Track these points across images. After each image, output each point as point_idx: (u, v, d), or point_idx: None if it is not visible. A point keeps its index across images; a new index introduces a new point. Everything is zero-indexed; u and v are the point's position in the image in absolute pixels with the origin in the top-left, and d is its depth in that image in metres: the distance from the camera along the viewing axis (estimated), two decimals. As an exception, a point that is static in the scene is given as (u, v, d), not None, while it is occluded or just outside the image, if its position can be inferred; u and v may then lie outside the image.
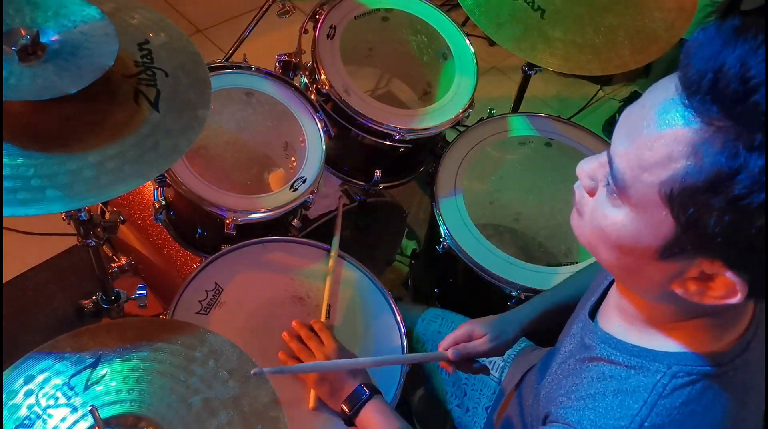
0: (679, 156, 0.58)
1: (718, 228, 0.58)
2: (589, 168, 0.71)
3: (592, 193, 0.71)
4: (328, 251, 1.33)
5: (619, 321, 0.79)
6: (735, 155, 0.55)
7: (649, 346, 0.74)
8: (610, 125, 2.61)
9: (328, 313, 1.25)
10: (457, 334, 1.11)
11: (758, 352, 0.75)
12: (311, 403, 1.13)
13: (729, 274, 0.61)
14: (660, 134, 0.60)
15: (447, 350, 1.11)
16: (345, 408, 1.08)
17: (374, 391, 1.08)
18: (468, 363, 1.12)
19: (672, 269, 0.65)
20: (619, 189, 0.65)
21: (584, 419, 0.74)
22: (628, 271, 0.71)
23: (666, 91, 0.61)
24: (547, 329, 1.22)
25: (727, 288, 0.63)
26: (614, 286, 0.83)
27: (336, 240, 1.36)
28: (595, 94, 2.69)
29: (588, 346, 0.81)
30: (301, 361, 1.14)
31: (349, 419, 1.08)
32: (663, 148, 0.60)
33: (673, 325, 0.73)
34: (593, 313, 0.87)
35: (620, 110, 2.62)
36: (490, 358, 1.27)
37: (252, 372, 0.93)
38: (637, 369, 0.73)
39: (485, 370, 1.16)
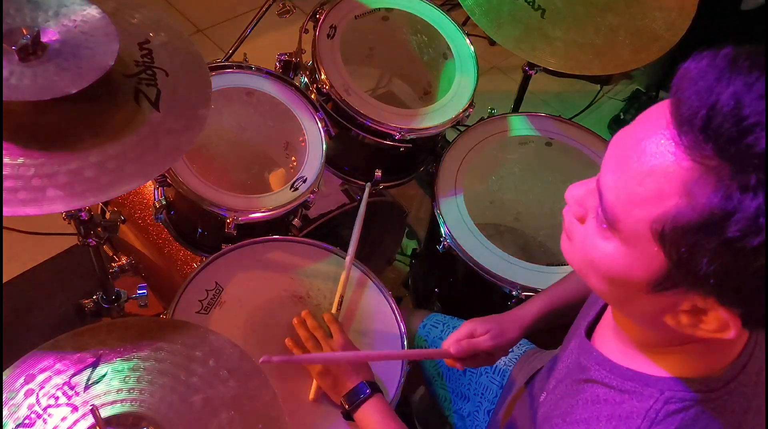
0: (670, 194, 0.57)
1: (711, 268, 0.56)
2: (579, 194, 0.69)
3: (582, 219, 0.69)
4: (331, 250, 1.33)
5: (615, 342, 0.78)
6: (729, 196, 0.53)
7: (644, 370, 0.73)
8: (615, 124, 2.61)
9: (340, 304, 1.24)
10: (459, 331, 1.11)
11: (755, 375, 0.73)
12: (312, 394, 1.13)
13: (721, 311, 0.60)
14: (650, 169, 0.58)
15: (450, 347, 1.10)
16: (345, 403, 1.08)
17: (375, 390, 1.09)
18: (474, 358, 1.11)
19: (664, 302, 0.64)
20: (608, 221, 0.63)
21: None
22: (619, 300, 0.69)
23: (656, 123, 0.59)
24: (548, 330, 1.22)
25: (720, 323, 0.61)
26: (611, 313, 0.82)
27: (357, 229, 1.32)
28: (597, 94, 2.69)
29: (584, 366, 0.81)
30: (308, 350, 1.14)
31: (348, 414, 1.08)
32: (653, 184, 0.58)
33: (666, 350, 0.72)
34: (589, 331, 0.86)
35: (624, 109, 2.63)
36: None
37: (260, 360, 0.93)
38: (630, 393, 0.72)
39: (491, 360, 1.14)
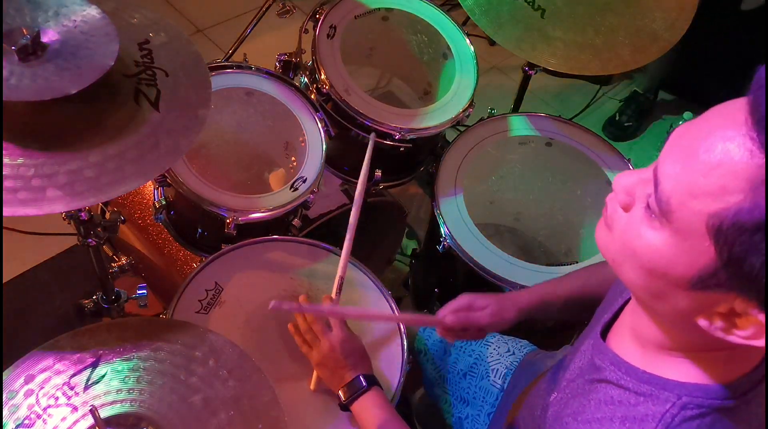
0: (734, 190, 0.55)
1: (762, 270, 0.55)
2: (628, 182, 0.67)
3: (627, 208, 0.68)
4: (330, 251, 1.33)
5: (631, 344, 0.77)
6: None
7: (661, 373, 0.72)
8: (610, 125, 2.60)
9: (340, 288, 1.22)
10: (457, 302, 1.09)
11: None
12: (313, 384, 1.13)
13: (761, 317, 0.59)
14: (719, 162, 0.56)
15: (446, 317, 1.09)
16: (342, 394, 1.08)
17: (373, 383, 1.09)
18: (465, 331, 1.11)
19: (701, 301, 0.62)
20: (662, 211, 0.61)
21: None
22: (652, 294, 0.68)
23: (732, 118, 0.57)
24: (551, 332, 1.22)
25: (756, 329, 0.60)
26: (629, 306, 0.81)
27: (360, 187, 1.28)
28: (596, 94, 2.69)
29: (598, 366, 0.79)
30: (307, 343, 1.14)
31: (345, 406, 1.09)
32: (719, 178, 0.56)
33: (689, 354, 0.71)
34: (605, 332, 0.85)
35: (620, 110, 2.63)
36: (492, 366, 1.27)
37: (270, 306, 0.93)
38: (646, 396, 0.71)
39: (482, 334, 1.14)
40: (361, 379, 1.08)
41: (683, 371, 0.70)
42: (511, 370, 1.25)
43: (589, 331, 0.92)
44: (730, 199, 0.55)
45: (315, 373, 1.14)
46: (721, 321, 0.62)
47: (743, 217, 0.55)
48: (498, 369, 1.26)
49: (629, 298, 0.82)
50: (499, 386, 1.25)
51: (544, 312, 1.13)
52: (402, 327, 1.25)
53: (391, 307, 1.28)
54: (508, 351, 1.28)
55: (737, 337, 0.62)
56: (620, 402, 0.73)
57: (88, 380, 0.92)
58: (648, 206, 0.64)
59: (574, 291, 1.11)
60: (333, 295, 1.21)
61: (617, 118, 2.60)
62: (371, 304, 1.28)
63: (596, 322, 0.90)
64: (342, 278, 1.21)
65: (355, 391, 1.07)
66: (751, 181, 0.55)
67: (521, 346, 1.29)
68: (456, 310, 1.09)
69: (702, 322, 0.64)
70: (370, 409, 1.07)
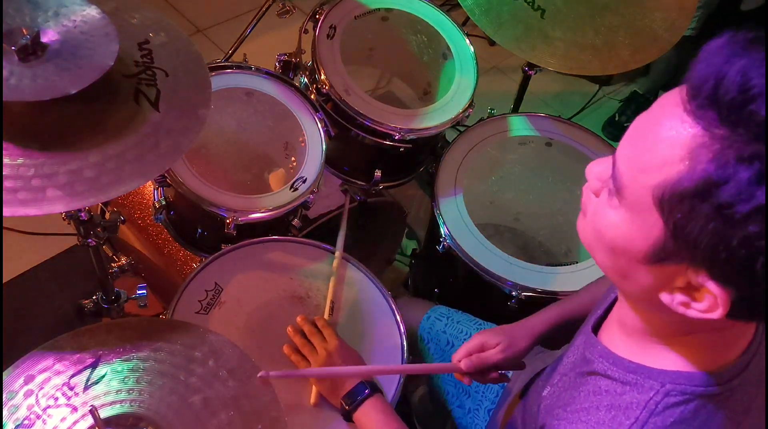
0: (674, 160, 0.58)
1: (702, 236, 0.57)
2: (598, 170, 0.71)
3: (597, 193, 0.71)
4: (331, 251, 1.33)
5: (619, 335, 0.79)
6: (725, 164, 0.55)
7: (646, 362, 0.73)
8: (610, 125, 2.60)
9: (332, 310, 1.25)
10: (470, 344, 1.10)
11: (758, 374, 0.73)
12: (312, 398, 1.13)
13: (712, 287, 0.60)
14: (661, 138, 0.60)
15: (460, 361, 1.09)
16: (344, 404, 1.08)
17: (374, 389, 1.09)
18: (484, 374, 1.11)
19: (660, 276, 0.65)
20: (616, 189, 0.65)
21: None
22: (619, 274, 0.70)
23: (673, 98, 0.61)
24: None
25: (710, 302, 0.62)
26: (616, 304, 0.82)
27: (341, 237, 1.36)
28: (595, 94, 2.69)
29: (588, 359, 0.81)
30: (304, 357, 1.15)
31: (348, 414, 1.08)
32: (661, 151, 0.60)
33: (671, 340, 0.72)
34: (597, 328, 0.86)
35: (620, 110, 2.63)
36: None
37: (258, 375, 0.93)
38: (632, 385, 0.73)
39: (504, 378, 1.14)
40: (362, 385, 1.08)
41: (668, 360, 0.72)
42: (512, 366, 1.25)
43: (583, 327, 0.93)
44: (671, 169, 0.59)
45: (314, 389, 1.14)
46: (681, 295, 0.64)
47: (680, 185, 0.58)
48: None
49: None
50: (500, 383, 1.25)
51: (560, 333, 1.13)
52: (402, 327, 1.25)
53: (392, 308, 1.28)
54: None
55: (695, 311, 0.63)
56: (607, 391, 0.75)
57: (87, 380, 0.92)
58: (610, 188, 0.67)
59: (586, 306, 1.11)
60: (326, 315, 1.23)
61: (617, 118, 2.60)
62: (371, 304, 1.28)
63: (590, 318, 0.91)
64: (333, 302, 1.25)
65: (356, 399, 1.07)
66: (688, 150, 0.57)
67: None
68: (468, 352, 1.09)
69: (665, 298, 0.65)
70: (373, 415, 1.06)
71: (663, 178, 0.59)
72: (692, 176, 0.57)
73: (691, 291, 0.63)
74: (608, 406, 0.73)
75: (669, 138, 0.59)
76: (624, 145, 0.65)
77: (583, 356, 0.83)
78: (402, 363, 1.22)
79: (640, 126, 0.64)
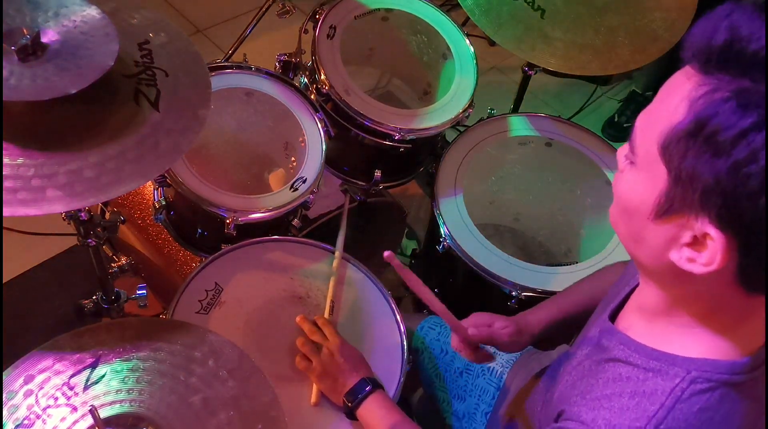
0: (677, 109, 0.62)
1: (696, 172, 0.60)
2: (623, 151, 0.73)
3: (622, 170, 0.73)
4: (330, 251, 1.33)
5: (640, 322, 0.79)
6: (712, 101, 0.59)
7: (669, 349, 0.73)
8: (610, 127, 2.60)
9: (332, 310, 1.25)
10: (479, 317, 1.11)
11: None
12: (313, 398, 1.13)
13: (712, 231, 0.62)
14: (667, 94, 0.65)
15: (468, 328, 1.09)
16: (346, 402, 1.08)
17: (376, 386, 1.09)
18: (476, 350, 1.11)
19: (668, 232, 0.67)
20: (631, 151, 0.69)
21: (599, 418, 0.73)
22: (634, 238, 0.72)
23: (682, 69, 0.65)
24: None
25: (712, 250, 0.63)
26: (636, 290, 0.83)
27: (341, 237, 1.36)
28: (593, 94, 2.69)
29: (605, 347, 0.81)
30: (306, 357, 1.14)
31: (351, 412, 1.08)
32: (667, 103, 0.64)
33: (694, 325, 0.72)
34: (613, 317, 0.86)
35: (619, 111, 2.63)
36: (488, 364, 1.27)
37: (385, 255, 0.92)
38: (655, 372, 0.72)
39: (491, 359, 1.14)
40: (364, 382, 1.08)
41: (692, 347, 0.72)
42: (507, 368, 1.25)
43: (593, 321, 0.92)
44: (674, 118, 0.62)
45: (315, 387, 1.14)
46: (688, 249, 0.66)
47: (678, 127, 0.62)
48: (494, 368, 1.26)
49: (636, 286, 0.83)
50: (495, 385, 1.25)
51: (553, 331, 1.14)
52: (402, 327, 1.25)
53: (392, 308, 1.28)
54: None
55: (699, 265, 0.65)
56: (629, 378, 0.74)
57: (87, 380, 0.92)
58: (627, 155, 0.71)
59: (582, 303, 1.12)
60: (326, 314, 1.23)
61: (616, 119, 2.60)
62: (371, 304, 1.28)
63: (601, 312, 0.91)
64: (333, 302, 1.25)
65: (359, 395, 1.07)
66: (686, 98, 0.61)
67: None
68: (478, 324, 1.09)
69: (674, 256, 0.67)
70: (376, 411, 1.06)
71: (667, 127, 0.63)
72: (687, 118, 0.61)
73: (696, 245, 0.65)
74: (632, 392, 0.73)
75: (673, 91, 0.64)
76: (642, 113, 0.69)
77: (600, 344, 0.83)
78: (402, 362, 1.22)
79: (658, 93, 0.67)
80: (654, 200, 0.66)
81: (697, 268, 0.65)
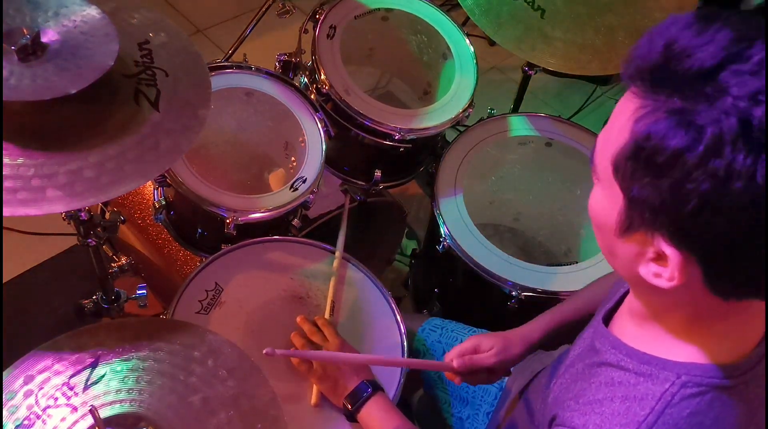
0: (623, 130, 0.62)
1: (644, 193, 0.61)
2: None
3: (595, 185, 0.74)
4: (331, 251, 1.33)
5: (631, 326, 0.79)
6: (650, 122, 0.59)
7: (660, 354, 0.73)
8: None
9: (332, 310, 1.25)
10: (463, 346, 1.10)
11: None
12: (314, 399, 1.13)
13: (667, 249, 0.62)
14: (616, 114, 0.65)
15: (452, 361, 1.09)
16: (347, 404, 1.08)
17: (377, 389, 1.09)
18: (474, 375, 1.11)
19: (634, 248, 0.67)
20: (593, 168, 0.69)
21: (589, 423, 0.73)
22: (607, 250, 0.72)
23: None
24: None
25: (671, 266, 0.63)
26: (628, 294, 0.83)
27: (341, 237, 1.36)
28: (592, 94, 2.68)
29: (597, 349, 0.81)
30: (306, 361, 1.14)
31: (351, 415, 1.08)
32: (614, 127, 0.64)
33: (681, 331, 0.72)
34: (607, 320, 0.86)
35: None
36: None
37: (264, 351, 0.94)
38: (646, 376, 0.72)
39: (493, 380, 1.14)
40: (364, 385, 1.08)
41: (682, 352, 0.72)
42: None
43: (592, 321, 0.92)
44: (620, 140, 0.62)
45: (315, 388, 1.14)
46: (654, 265, 0.66)
47: (624, 149, 0.62)
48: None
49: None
50: (497, 385, 1.25)
51: (553, 339, 1.13)
52: (402, 327, 1.25)
53: (392, 308, 1.28)
54: None
55: (664, 280, 0.65)
56: (620, 383, 0.74)
57: (87, 380, 0.92)
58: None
59: (582, 309, 1.12)
60: (327, 315, 1.23)
61: None
62: (371, 304, 1.28)
63: (598, 312, 0.91)
64: (333, 302, 1.25)
65: (359, 398, 1.07)
66: (631, 119, 0.61)
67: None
68: (461, 353, 1.09)
69: (642, 271, 0.67)
70: (376, 414, 1.06)
71: (614, 148, 0.63)
72: (629, 141, 0.61)
73: (660, 260, 0.65)
74: (622, 397, 0.73)
75: (620, 111, 0.64)
76: (602, 131, 0.69)
77: (593, 346, 0.83)
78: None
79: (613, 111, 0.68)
80: (615, 218, 0.66)
81: (663, 283, 0.65)
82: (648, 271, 0.66)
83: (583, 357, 0.84)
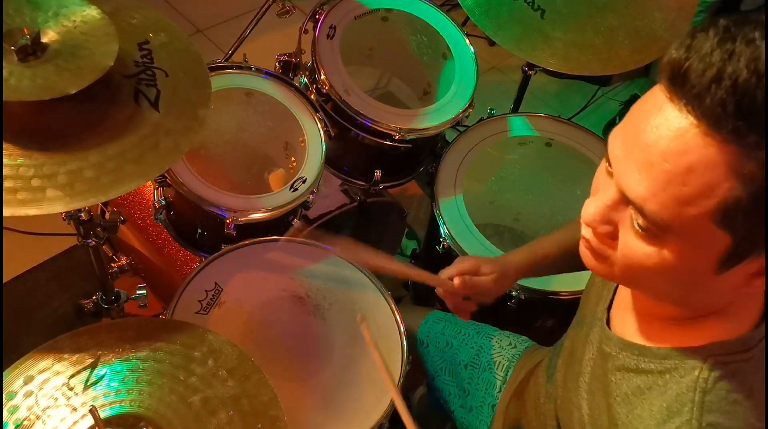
0: (720, 181, 0.57)
1: (759, 228, 0.58)
2: (600, 214, 0.67)
3: (613, 236, 0.68)
4: (330, 251, 1.33)
5: (635, 324, 0.77)
6: (758, 170, 0.56)
7: (678, 343, 0.71)
8: (610, 128, 2.59)
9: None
10: (463, 266, 1.08)
11: None
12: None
13: None
14: (688, 166, 0.58)
15: (452, 279, 1.08)
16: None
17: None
18: (466, 301, 1.10)
19: (735, 276, 0.64)
20: (660, 229, 0.62)
21: None
22: (684, 292, 0.68)
23: (667, 117, 0.60)
24: (549, 330, 1.20)
25: None
26: (626, 291, 0.81)
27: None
28: (594, 95, 2.68)
29: (607, 354, 0.79)
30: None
31: None
32: (699, 179, 0.58)
33: (705, 313, 0.71)
34: (606, 316, 0.85)
35: (621, 113, 2.62)
36: (494, 358, 1.27)
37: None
38: (672, 371, 0.71)
39: (474, 306, 1.13)
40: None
41: (699, 334, 0.71)
42: (513, 363, 1.25)
43: (590, 318, 0.90)
44: (721, 190, 0.57)
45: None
46: (760, 281, 0.64)
47: (741, 199, 0.57)
48: (500, 361, 1.26)
49: None
50: (501, 378, 1.25)
51: (543, 268, 1.13)
52: (402, 327, 1.25)
53: (392, 308, 1.28)
54: (510, 344, 1.28)
55: (758, 285, 0.64)
56: (649, 389, 0.72)
57: (87, 381, 0.92)
58: (638, 228, 0.64)
59: (569, 241, 1.11)
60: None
61: (617, 122, 2.59)
62: (371, 304, 1.28)
63: (593, 308, 0.89)
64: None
65: None
66: (728, 167, 0.57)
67: (522, 340, 1.30)
68: (462, 272, 1.07)
69: (746, 291, 0.65)
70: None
71: (718, 201, 0.58)
72: (747, 187, 0.57)
73: (762, 273, 0.63)
74: (660, 403, 0.70)
75: (700, 162, 0.58)
76: (632, 182, 0.62)
77: (601, 350, 0.81)
78: (402, 362, 1.21)
79: (642, 158, 0.61)
80: (715, 260, 0.63)
81: (757, 290, 0.65)
82: (753, 287, 0.65)
83: (597, 365, 0.82)
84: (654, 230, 0.62)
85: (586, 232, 0.71)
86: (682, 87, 0.58)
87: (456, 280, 1.07)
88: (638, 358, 0.74)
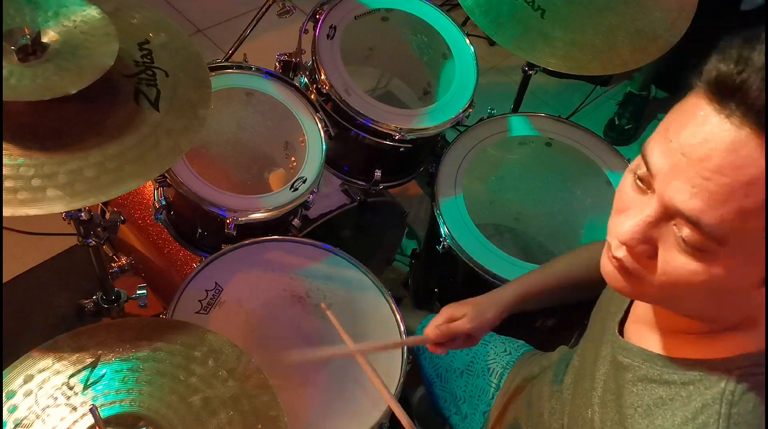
0: None
1: None
2: (639, 231, 0.65)
3: (652, 254, 0.66)
4: (330, 251, 1.33)
5: (657, 337, 0.76)
6: None
7: (701, 356, 0.71)
8: (611, 130, 2.59)
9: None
10: (437, 317, 1.11)
11: None
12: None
13: None
14: (750, 179, 0.57)
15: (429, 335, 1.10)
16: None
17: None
18: (454, 341, 1.11)
19: None
20: (714, 241, 0.60)
21: None
22: (720, 308, 0.68)
23: (719, 130, 0.58)
24: (547, 334, 1.20)
25: None
26: (639, 306, 0.81)
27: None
28: (590, 94, 2.68)
29: (626, 365, 0.78)
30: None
31: None
32: (762, 190, 0.57)
33: (720, 331, 0.71)
34: (620, 331, 0.84)
35: (618, 113, 2.62)
36: (489, 365, 1.27)
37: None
38: (696, 383, 0.70)
39: (473, 342, 1.14)
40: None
41: (728, 346, 0.70)
42: (508, 369, 1.25)
43: (599, 335, 0.89)
44: None
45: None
46: None
47: None
48: (494, 368, 1.26)
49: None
50: (495, 385, 1.25)
51: (531, 303, 1.13)
52: (402, 327, 1.25)
53: (392, 308, 1.28)
54: (505, 351, 1.28)
55: None
56: (672, 400, 0.71)
57: (87, 380, 0.92)
58: (684, 244, 0.62)
59: (560, 277, 1.12)
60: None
61: (617, 122, 2.59)
62: (371, 304, 1.28)
63: (604, 324, 0.88)
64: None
65: None
66: None
67: (518, 346, 1.30)
68: (437, 324, 1.10)
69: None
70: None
71: None
72: None
73: None
74: (683, 414, 0.69)
75: (759, 174, 0.57)
76: (686, 197, 0.60)
77: (616, 361, 0.80)
78: (402, 362, 1.22)
79: (696, 171, 0.59)
80: (761, 273, 0.62)
81: None
82: None
83: (610, 379, 0.81)
84: (705, 245, 0.61)
85: (618, 251, 0.68)
86: (736, 99, 0.57)
87: (432, 333, 1.09)
88: (662, 369, 0.73)
